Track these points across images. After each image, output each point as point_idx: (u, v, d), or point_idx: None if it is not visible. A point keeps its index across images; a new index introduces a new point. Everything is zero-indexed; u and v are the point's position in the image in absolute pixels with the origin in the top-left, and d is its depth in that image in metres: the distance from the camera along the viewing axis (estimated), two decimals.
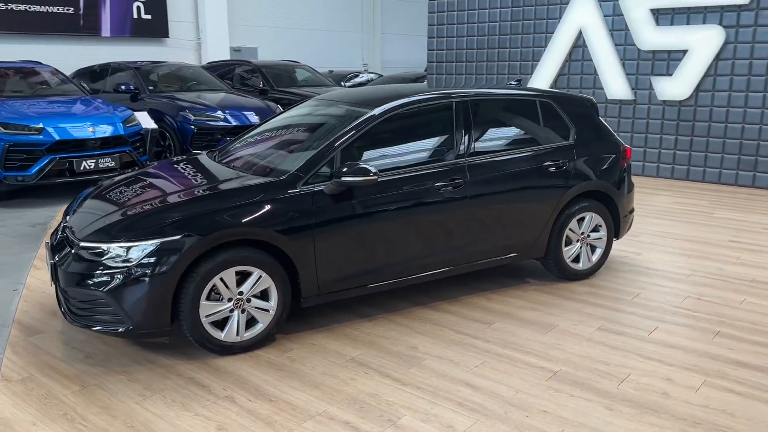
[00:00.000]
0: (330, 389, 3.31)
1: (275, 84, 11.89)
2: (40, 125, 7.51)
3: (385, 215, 4.01)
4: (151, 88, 10.27)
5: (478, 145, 4.45)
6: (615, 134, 5.18)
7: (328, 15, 19.11)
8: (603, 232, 5.00)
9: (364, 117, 4.14)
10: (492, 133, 4.71)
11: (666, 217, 6.97)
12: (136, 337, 3.53)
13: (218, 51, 15.87)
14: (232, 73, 12.70)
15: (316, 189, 3.80)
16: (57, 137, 7.50)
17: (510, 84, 5.32)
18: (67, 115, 7.96)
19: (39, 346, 3.80)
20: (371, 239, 3.98)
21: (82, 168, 7.67)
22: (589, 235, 4.94)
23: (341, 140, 4.00)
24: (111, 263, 3.41)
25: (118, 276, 3.36)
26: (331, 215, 3.82)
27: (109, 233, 3.52)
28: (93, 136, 7.75)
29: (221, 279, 3.54)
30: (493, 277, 4.97)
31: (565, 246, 4.84)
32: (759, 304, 4.47)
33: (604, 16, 9.47)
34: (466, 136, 4.40)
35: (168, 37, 15.21)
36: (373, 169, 3.80)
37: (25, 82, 9.30)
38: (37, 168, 7.41)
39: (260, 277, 3.65)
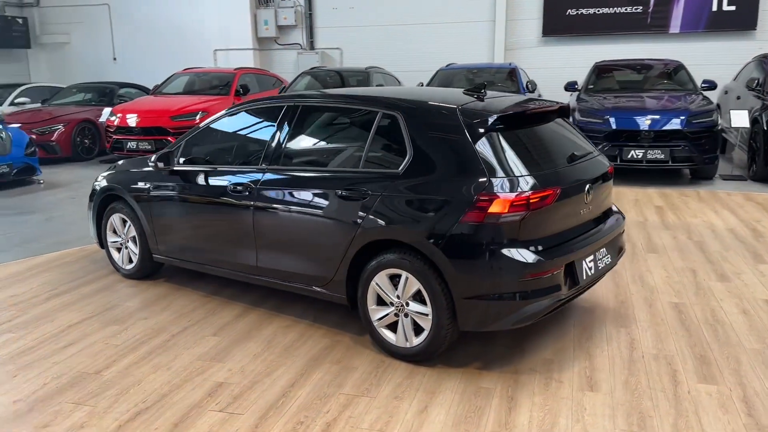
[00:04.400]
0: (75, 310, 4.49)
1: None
2: (606, 117, 8.56)
3: (189, 204, 4.48)
4: None
5: (287, 154, 4.02)
6: (501, 174, 3.20)
7: None
8: (429, 308, 3.36)
9: (211, 119, 4.59)
10: (308, 144, 4.05)
11: None
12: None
13: None
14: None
15: (161, 168, 4.69)
16: (614, 127, 8.40)
17: (466, 91, 3.90)
18: (635, 110, 8.60)
19: None
20: (183, 222, 4.55)
21: (629, 156, 8.33)
22: (408, 303, 3.46)
23: (187, 135, 4.65)
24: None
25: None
26: (159, 191, 4.66)
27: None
28: (646, 128, 8.23)
29: (112, 220, 5.09)
30: None
31: (378, 304, 3.61)
32: None
33: None
34: (277, 143, 4.06)
35: (755, 29, 13.16)
36: (162, 161, 4.47)
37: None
38: None
39: (129, 226, 4.96)
